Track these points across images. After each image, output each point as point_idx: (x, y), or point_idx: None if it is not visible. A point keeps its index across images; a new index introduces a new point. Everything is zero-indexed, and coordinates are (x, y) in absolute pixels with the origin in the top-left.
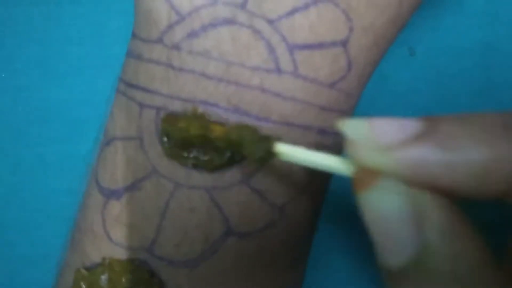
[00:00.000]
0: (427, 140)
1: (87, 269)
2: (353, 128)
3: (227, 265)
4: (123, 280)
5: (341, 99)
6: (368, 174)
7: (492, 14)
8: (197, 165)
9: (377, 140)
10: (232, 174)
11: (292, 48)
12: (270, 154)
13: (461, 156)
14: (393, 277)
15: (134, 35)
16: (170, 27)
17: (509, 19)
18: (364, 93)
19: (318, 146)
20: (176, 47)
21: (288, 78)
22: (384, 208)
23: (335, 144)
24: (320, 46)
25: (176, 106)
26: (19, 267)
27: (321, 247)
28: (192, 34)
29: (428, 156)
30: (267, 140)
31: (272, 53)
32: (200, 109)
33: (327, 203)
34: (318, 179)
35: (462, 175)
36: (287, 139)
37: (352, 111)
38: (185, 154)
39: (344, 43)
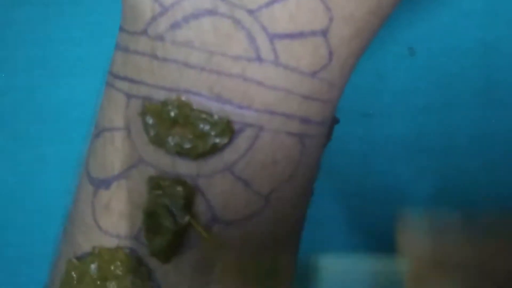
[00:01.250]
0: None
1: (78, 258)
2: None
3: (213, 252)
4: (112, 268)
5: (324, 89)
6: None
7: (492, 14)
8: (181, 153)
9: None
10: (215, 162)
11: (273, 37)
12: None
13: None
14: None
15: (121, 29)
16: (154, 18)
17: (509, 19)
18: (364, 93)
19: (302, 135)
20: (160, 38)
21: (269, 66)
22: None
23: (319, 134)
24: (300, 35)
25: (161, 95)
26: (19, 267)
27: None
28: (175, 25)
29: None
30: None
31: (253, 43)
32: (184, 97)
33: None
34: (305, 169)
35: None
36: (270, 127)
37: (337, 102)
38: (169, 141)
39: (324, 33)
